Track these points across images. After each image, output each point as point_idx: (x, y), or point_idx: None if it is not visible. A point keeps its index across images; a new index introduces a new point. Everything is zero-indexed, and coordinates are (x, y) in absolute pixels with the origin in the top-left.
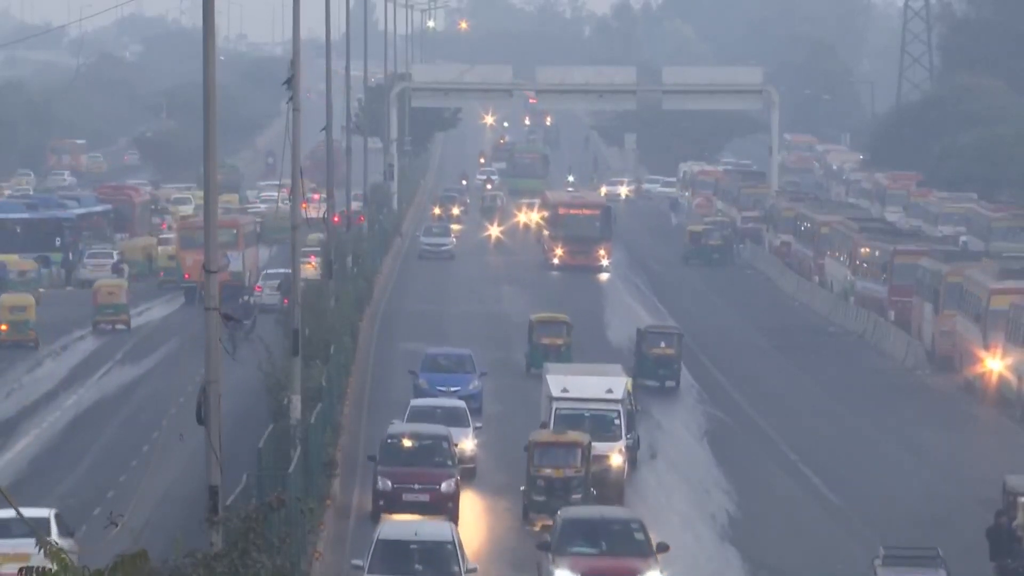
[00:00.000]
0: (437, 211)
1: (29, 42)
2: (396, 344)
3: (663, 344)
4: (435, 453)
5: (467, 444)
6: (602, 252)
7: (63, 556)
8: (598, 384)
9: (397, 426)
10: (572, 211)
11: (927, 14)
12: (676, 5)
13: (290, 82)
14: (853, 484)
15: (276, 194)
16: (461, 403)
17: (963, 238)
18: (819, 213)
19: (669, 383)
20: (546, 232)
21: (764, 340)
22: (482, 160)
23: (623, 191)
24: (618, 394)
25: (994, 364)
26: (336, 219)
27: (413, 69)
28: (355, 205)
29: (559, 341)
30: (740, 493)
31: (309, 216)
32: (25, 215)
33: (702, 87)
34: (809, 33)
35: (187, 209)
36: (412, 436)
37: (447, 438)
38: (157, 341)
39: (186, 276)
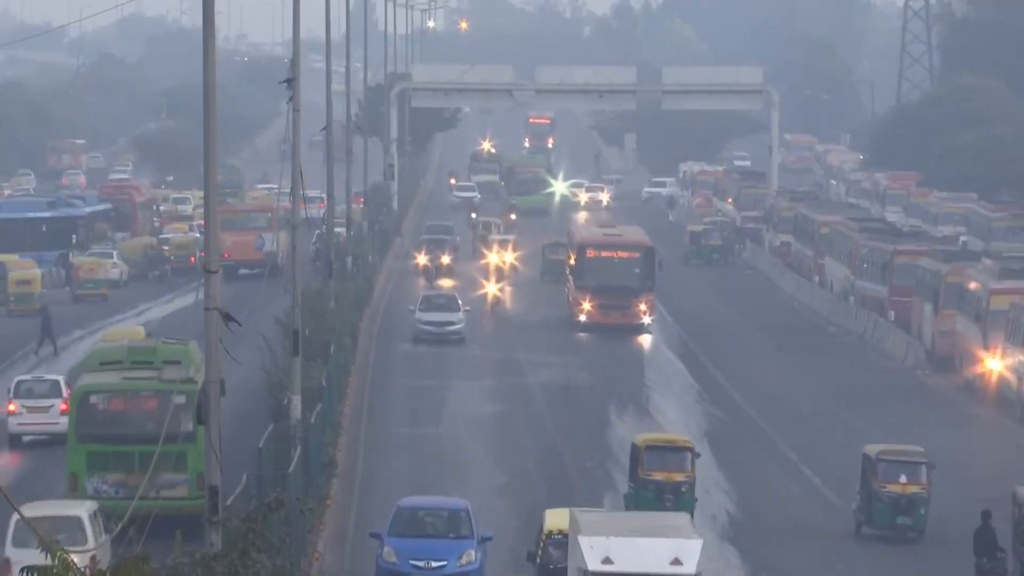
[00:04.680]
0: (422, 260)
1: (29, 42)
2: (396, 344)
3: (904, 478)
4: None
5: None
6: (643, 307)
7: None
8: (659, 549)
9: None
10: (604, 253)
11: (927, 14)
12: (676, 5)
13: (290, 82)
14: (853, 484)
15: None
16: None
17: (963, 238)
18: (819, 213)
19: (911, 535)
20: (570, 281)
21: (764, 340)
22: (453, 181)
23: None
24: (690, 566)
25: (994, 364)
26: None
27: (413, 69)
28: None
29: (679, 477)
30: (740, 493)
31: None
32: (48, 213)
33: (702, 87)
34: (809, 33)
35: (186, 209)
36: None
37: None
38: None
39: (224, 255)
